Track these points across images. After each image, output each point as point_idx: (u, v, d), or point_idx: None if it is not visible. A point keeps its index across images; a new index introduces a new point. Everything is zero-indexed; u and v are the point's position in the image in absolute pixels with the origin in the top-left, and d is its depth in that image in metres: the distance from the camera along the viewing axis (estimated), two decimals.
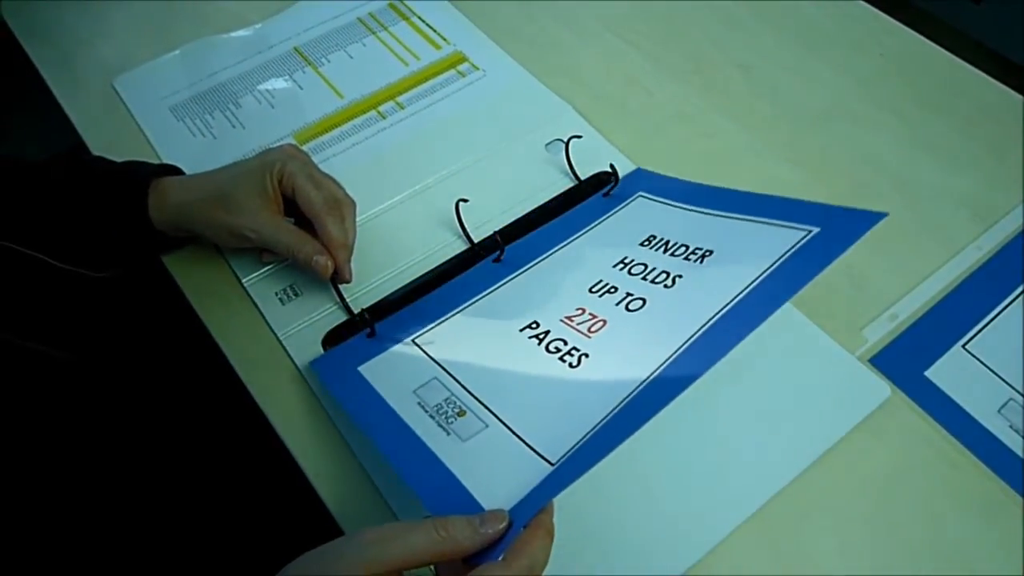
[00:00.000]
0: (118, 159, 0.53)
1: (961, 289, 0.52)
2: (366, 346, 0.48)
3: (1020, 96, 0.63)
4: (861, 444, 0.46)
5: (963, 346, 0.49)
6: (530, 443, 0.40)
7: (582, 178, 0.57)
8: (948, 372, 0.48)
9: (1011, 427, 0.46)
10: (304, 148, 0.60)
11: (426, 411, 0.43)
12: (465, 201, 0.54)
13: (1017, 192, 0.57)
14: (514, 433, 0.41)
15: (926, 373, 0.48)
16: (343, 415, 0.46)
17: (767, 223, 0.44)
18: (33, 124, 0.88)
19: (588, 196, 0.56)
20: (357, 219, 0.52)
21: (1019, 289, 0.52)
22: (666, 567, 0.41)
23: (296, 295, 0.52)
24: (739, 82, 0.64)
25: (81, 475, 0.55)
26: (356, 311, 0.50)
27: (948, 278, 0.52)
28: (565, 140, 0.58)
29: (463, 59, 0.66)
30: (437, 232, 0.55)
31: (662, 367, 0.39)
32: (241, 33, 0.68)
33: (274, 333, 0.50)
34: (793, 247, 0.41)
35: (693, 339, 0.40)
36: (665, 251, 0.47)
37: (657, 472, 0.44)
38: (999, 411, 0.47)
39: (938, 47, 0.66)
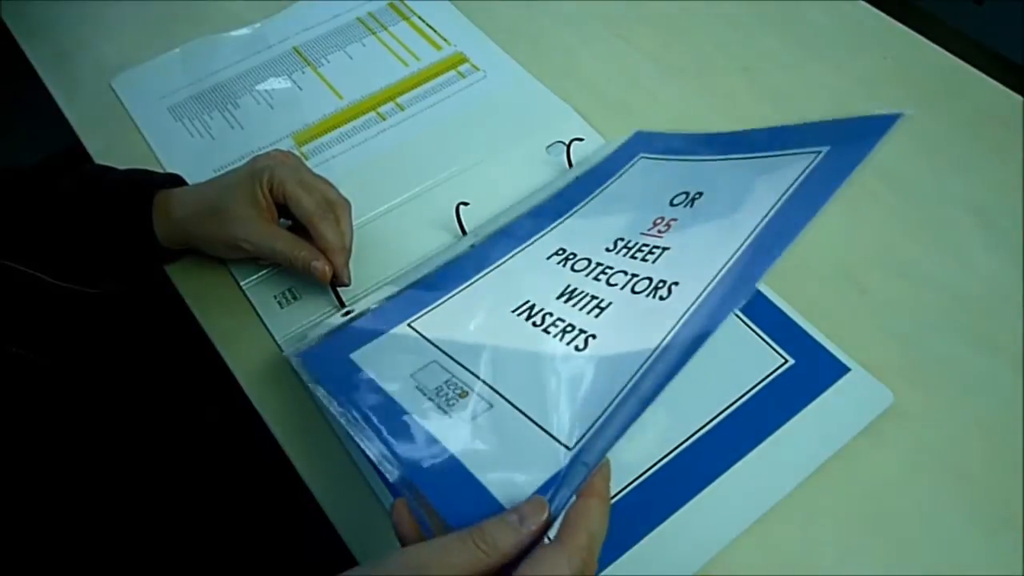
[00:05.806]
0: (117, 161, 0.53)
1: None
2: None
3: (1021, 97, 0.62)
4: (864, 451, 0.45)
5: None
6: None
7: None
8: None
9: None
10: (303, 150, 0.60)
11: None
12: (466, 204, 0.54)
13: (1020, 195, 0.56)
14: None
15: None
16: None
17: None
18: (30, 124, 0.88)
19: None
20: (355, 221, 0.51)
21: None
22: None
23: (295, 298, 0.51)
24: (741, 84, 0.64)
25: (73, 481, 0.55)
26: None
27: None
28: (566, 142, 0.57)
29: (464, 60, 0.66)
30: (437, 235, 0.54)
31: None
32: (240, 33, 0.68)
33: (272, 337, 0.50)
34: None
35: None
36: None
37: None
38: None
39: (941, 49, 0.66)
